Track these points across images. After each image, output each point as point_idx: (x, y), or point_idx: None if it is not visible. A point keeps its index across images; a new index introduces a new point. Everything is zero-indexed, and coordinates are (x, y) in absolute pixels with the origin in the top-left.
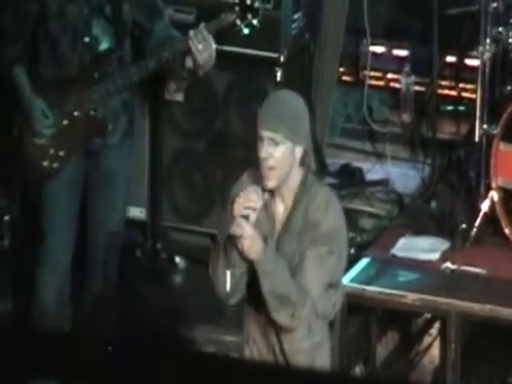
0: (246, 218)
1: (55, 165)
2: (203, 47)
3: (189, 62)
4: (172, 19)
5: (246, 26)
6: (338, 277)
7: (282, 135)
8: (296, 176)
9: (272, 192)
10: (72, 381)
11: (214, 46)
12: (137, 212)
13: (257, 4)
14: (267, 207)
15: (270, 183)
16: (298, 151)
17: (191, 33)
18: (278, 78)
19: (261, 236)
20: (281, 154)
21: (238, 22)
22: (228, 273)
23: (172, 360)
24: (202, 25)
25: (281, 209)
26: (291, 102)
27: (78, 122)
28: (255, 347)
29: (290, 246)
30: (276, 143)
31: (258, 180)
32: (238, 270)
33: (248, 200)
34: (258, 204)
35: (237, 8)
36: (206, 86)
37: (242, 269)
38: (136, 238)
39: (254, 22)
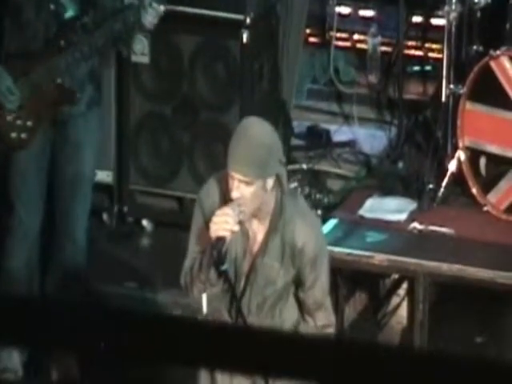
0: (223, 239)
1: (23, 135)
2: (153, 19)
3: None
4: None
5: None
6: None
7: (253, 176)
8: (271, 199)
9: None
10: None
11: (162, 9)
12: (104, 175)
13: None
14: (243, 226)
15: (242, 217)
16: (270, 182)
17: (141, 9)
18: (245, 40)
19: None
20: (252, 194)
21: None
22: (204, 296)
23: (139, 323)
24: None
25: (254, 226)
26: (259, 135)
27: (45, 91)
28: None
29: (270, 266)
30: (247, 183)
31: (226, 187)
32: (214, 289)
33: (225, 222)
34: (235, 227)
35: None
36: (172, 49)
37: (217, 287)
38: (103, 202)
39: None
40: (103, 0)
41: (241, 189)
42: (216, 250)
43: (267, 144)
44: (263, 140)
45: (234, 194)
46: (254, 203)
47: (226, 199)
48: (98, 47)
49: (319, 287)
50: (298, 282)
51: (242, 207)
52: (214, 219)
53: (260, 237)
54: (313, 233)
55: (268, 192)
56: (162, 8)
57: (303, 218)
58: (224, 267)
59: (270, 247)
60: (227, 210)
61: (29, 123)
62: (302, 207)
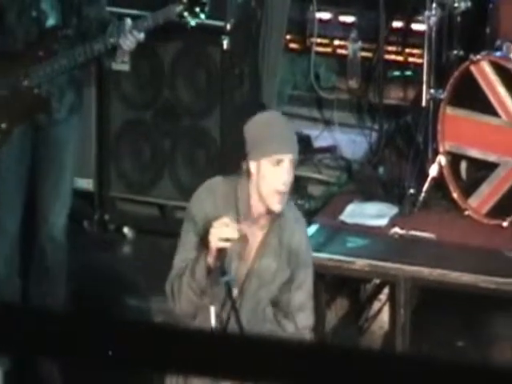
0: (225, 250)
1: None
2: (131, 43)
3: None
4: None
5: (193, 18)
6: None
7: (296, 155)
8: None
9: (241, 214)
10: (22, 354)
11: (141, 37)
12: (84, 183)
13: None
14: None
15: (282, 207)
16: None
17: (122, 36)
18: (225, 47)
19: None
20: (292, 176)
21: (185, 13)
22: (212, 308)
23: (121, 331)
24: (131, 24)
25: (251, 228)
26: (282, 119)
27: (21, 96)
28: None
29: (268, 267)
30: (292, 165)
31: (222, 196)
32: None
33: (224, 232)
34: (234, 235)
35: (184, 0)
36: (152, 56)
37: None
38: (84, 209)
39: (202, 16)
40: (88, 10)
41: (291, 173)
42: (219, 262)
43: (290, 124)
44: (285, 120)
45: (288, 178)
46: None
47: (219, 207)
48: (76, 63)
49: (306, 289)
50: (287, 284)
51: (285, 195)
52: (213, 230)
53: (257, 240)
54: (306, 234)
55: None
56: (142, 35)
57: (298, 219)
58: (226, 278)
59: (268, 248)
60: (226, 219)
61: (3, 125)
62: (294, 208)
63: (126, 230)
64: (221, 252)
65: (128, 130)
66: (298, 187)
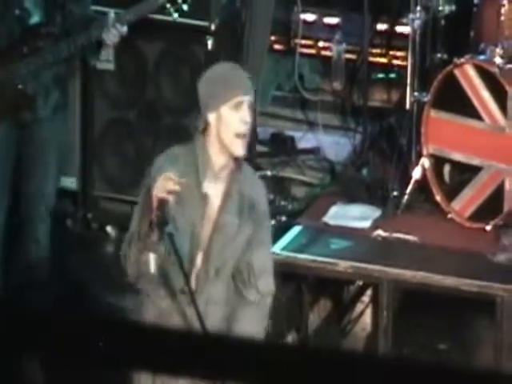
0: (166, 201)
1: None
2: (114, 36)
3: None
4: None
5: (176, 10)
6: None
7: (252, 98)
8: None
9: (199, 169)
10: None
11: (124, 30)
12: (68, 182)
13: None
14: (198, 184)
15: (243, 150)
16: None
17: (105, 29)
18: (209, 47)
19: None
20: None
21: (168, 5)
22: (151, 255)
23: (104, 329)
24: (114, 16)
25: (211, 185)
26: (234, 66)
27: (4, 94)
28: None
29: (231, 222)
30: (251, 108)
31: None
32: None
33: (166, 184)
34: (176, 188)
35: None
36: (137, 55)
37: (158, 254)
38: (67, 208)
39: (184, 7)
40: (71, 7)
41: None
42: (159, 212)
43: None
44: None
45: (247, 119)
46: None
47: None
48: (61, 57)
49: (266, 249)
50: (248, 243)
51: (245, 137)
52: (157, 184)
53: (218, 197)
54: (263, 188)
55: None
56: (124, 29)
57: (254, 174)
58: (168, 229)
59: (229, 204)
60: (169, 174)
61: None
62: (249, 166)
63: (109, 228)
64: (162, 203)
65: (112, 128)
66: (282, 188)
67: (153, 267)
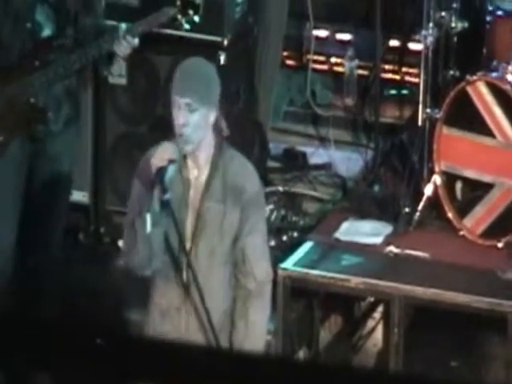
0: (164, 169)
1: None
2: (125, 48)
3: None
4: (115, 3)
5: (187, 21)
6: None
7: (198, 101)
8: (210, 141)
9: (185, 156)
10: (14, 365)
11: (136, 42)
12: (80, 196)
13: (198, 0)
14: (181, 171)
15: (186, 149)
16: (212, 116)
17: (116, 41)
18: (222, 62)
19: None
20: (196, 121)
21: (179, 16)
22: (147, 214)
23: (115, 344)
24: (126, 27)
25: (195, 173)
26: (203, 67)
27: (17, 107)
28: (168, 319)
29: (214, 209)
30: (192, 110)
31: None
32: (157, 231)
33: (165, 152)
34: (175, 155)
35: (178, 2)
36: (149, 70)
37: (161, 227)
38: (79, 222)
39: (195, 18)
40: (84, 20)
41: (186, 116)
42: (158, 180)
43: (210, 76)
44: (206, 71)
45: (180, 120)
46: (197, 133)
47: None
48: (72, 70)
49: (260, 233)
50: (239, 231)
51: (185, 137)
52: (156, 153)
53: (200, 184)
54: (253, 174)
55: (209, 127)
56: (136, 41)
57: (243, 161)
58: (167, 196)
59: (211, 191)
60: (166, 144)
61: (0, 138)
62: (239, 154)
63: (120, 243)
64: (161, 171)
65: (123, 142)
66: (293, 204)
67: (149, 226)
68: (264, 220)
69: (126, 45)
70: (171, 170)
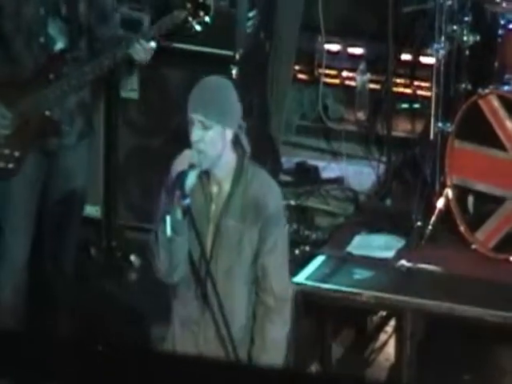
0: (184, 173)
1: (11, 165)
2: (145, 53)
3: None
4: (126, 17)
5: (198, 23)
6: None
7: (212, 119)
8: (229, 159)
9: (206, 172)
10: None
11: (153, 45)
12: (92, 210)
13: (208, 1)
14: (203, 185)
15: (203, 165)
16: (229, 134)
17: (134, 43)
18: (234, 76)
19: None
20: (211, 138)
21: (190, 18)
22: (167, 217)
23: (128, 358)
24: (144, 31)
25: (215, 188)
26: (220, 86)
27: (32, 122)
28: (188, 330)
29: (234, 226)
30: (206, 127)
31: None
32: (179, 239)
33: (185, 157)
34: (195, 160)
35: (188, 5)
36: (161, 84)
37: (183, 235)
38: (91, 237)
39: (206, 19)
40: (101, 31)
41: (200, 133)
42: (178, 184)
43: (227, 94)
44: (224, 90)
45: (193, 137)
46: (213, 150)
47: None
48: (86, 80)
49: (280, 251)
50: (259, 248)
51: (201, 153)
52: (177, 160)
53: (222, 199)
54: (274, 190)
55: (227, 145)
56: (152, 44)
57: (264, 177)
58: (187, 202)
59: (232, 208)
60: (187, 151)
61: (16, 153)
62: (263, 170)
63: (132, 257)
64: (181, 176)
65: (136, 157)
66: (305, 218)
67: (169, 230)
68: (285, 237)
69: (140, 48)
70: (192, 176)
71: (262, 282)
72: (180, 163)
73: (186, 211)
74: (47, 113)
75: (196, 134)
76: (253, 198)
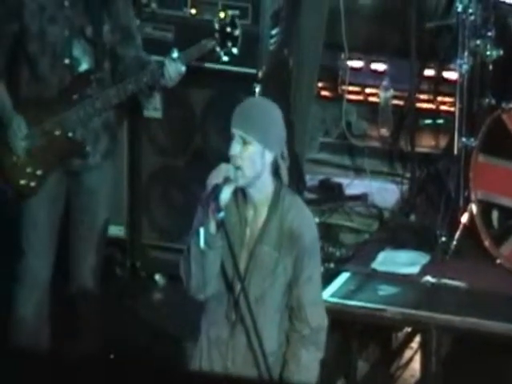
0: (219, 187)
1: (33, 184)
2: (175, 75)
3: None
4: (150, 37)
5: (226, 53)
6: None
7: (253, 135)
8: (268, 183)
9: (244, 195)
10: None
11: (183, 69)
12: (116, 230)
13: (237, 32)
14: (238, 207)
15: (239, 181)
16: (269, 156)
17: (166, 61)
18: (257, 94)
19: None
20: (249, 154)
21: (218, 49)
22: (201, 229)
23: (154, 378)
24: (177, 54)
25: (251, 213)
26: (266, 106)
27: (55, 142)
28: (216, 350)
29: (268, 254)
30: (245, 142)
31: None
32: (212, 253)
33: (221, 171)
34: (231, 174)
35: (217, 35)
36: (184, 103)
37: (216, 250)
38: (115, 256)
39: (234, 50)
40: (124, 52)
41: (239, 148)
42: (213, 197)
43: (272, 116)
44: (269, 111)
45: (232, 151)
46: (250, 167)
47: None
48: (111, 104)
49: (315, 283)
50: (294, 279)
51: (239, 169)
52: (213, 173)
53: (258, 225)
54: (310, 222)
55: (266, 168)
56: (182, 68)
57: (301, 208)
58: (221, 215)
59: (267, 235)
60: (223, 164)
61: (38, 172)
62: (300, 200)
63: (157, 277)
64: (216, 190)
65: (160, 176)
66: (330, 235)
67: (202, 242)
68: (319, 267)
69: (174, 68)
70: (227, 190)
71: (298, 313)
72: (215, 176)
73: (220, 225)
74: (70, 134)
75: (235, 148)
76: (289, 227)
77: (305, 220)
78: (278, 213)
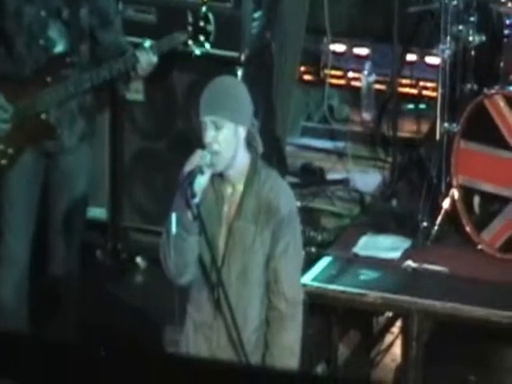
0: (193, 173)
1: (3, 161)
2: (147, 65)
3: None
4: (132, 19)
5: (198, 47)
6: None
7: (223, 118)
8: (243, 159)
9: (220, 174)
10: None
11: (155, 60)
12: (97, 212)
13: (209, 27)
14: (215, 186)
15: (217, 167)
16: (241, 132)
17: (138, 52)
18: (239, 78)
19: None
20: (224, 137)
21: (190, 42)
22: (173, 215)
23: (133, 361)
24: (150, 44)
25: (229, 190)
26: (230, 84)
27: (28, 123)
28: (201, 334)
29: (246, 228)
30: (218, 127)
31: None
32: (190, 239)
33: (195, 157)
34: (205, 160)
35: (190, 28)
36: (166, 86)
37: (194, 235)
38: (96, 239)
39: (206, 45)
40: (103, 36)
41: (213, 134)
42: (187, 183)
43: (238, 93)
44: (234, 89)
45: (207, 138)
46: (227, 150)
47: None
48: (83, 89)
49: (291, 255)
50: (271, 251)
51: (217, 154)
52: (190, 159)
53: (235, 201)
54: (287, 193)
55: (241, 144)
56: (154, 58)
57: (277, 179)
58: (195, 200)
59: (244, 209)
60: (198, 151)
61: (9, 150)
62: (275, 173)
63: (138, 259)
64: (191, 175)
65: (141, 159)
66: (311, 219)
67: (174, 227)
68: (298, 240)
69: (147, 58)
70: (204, 177)
71: (274, 286)
72: (190, 163)
73: (196, 210)
74: (43, 116)
75: (209, 135)
76: (266, 200)
77: (281, 191)
78: (255, 186)
